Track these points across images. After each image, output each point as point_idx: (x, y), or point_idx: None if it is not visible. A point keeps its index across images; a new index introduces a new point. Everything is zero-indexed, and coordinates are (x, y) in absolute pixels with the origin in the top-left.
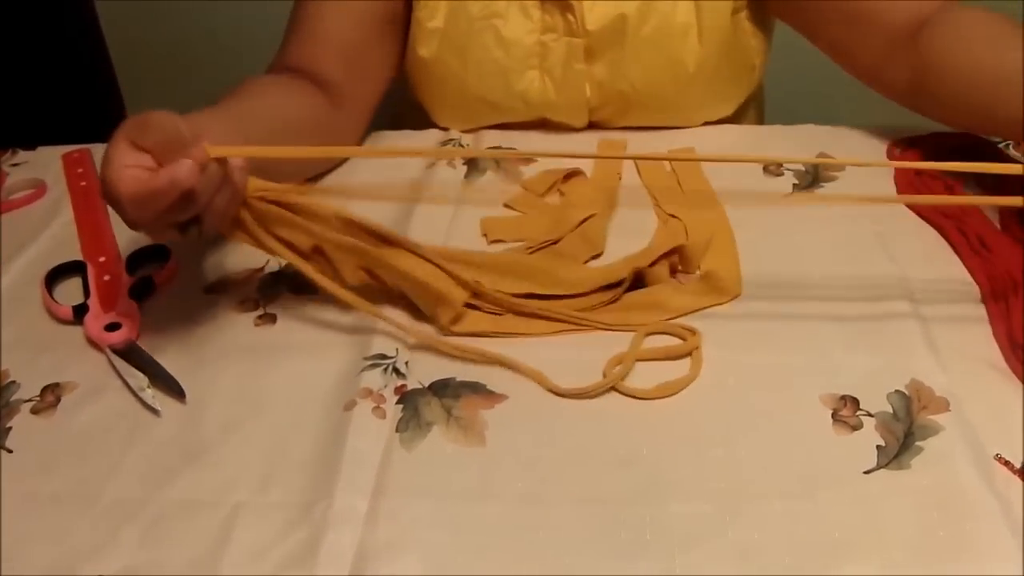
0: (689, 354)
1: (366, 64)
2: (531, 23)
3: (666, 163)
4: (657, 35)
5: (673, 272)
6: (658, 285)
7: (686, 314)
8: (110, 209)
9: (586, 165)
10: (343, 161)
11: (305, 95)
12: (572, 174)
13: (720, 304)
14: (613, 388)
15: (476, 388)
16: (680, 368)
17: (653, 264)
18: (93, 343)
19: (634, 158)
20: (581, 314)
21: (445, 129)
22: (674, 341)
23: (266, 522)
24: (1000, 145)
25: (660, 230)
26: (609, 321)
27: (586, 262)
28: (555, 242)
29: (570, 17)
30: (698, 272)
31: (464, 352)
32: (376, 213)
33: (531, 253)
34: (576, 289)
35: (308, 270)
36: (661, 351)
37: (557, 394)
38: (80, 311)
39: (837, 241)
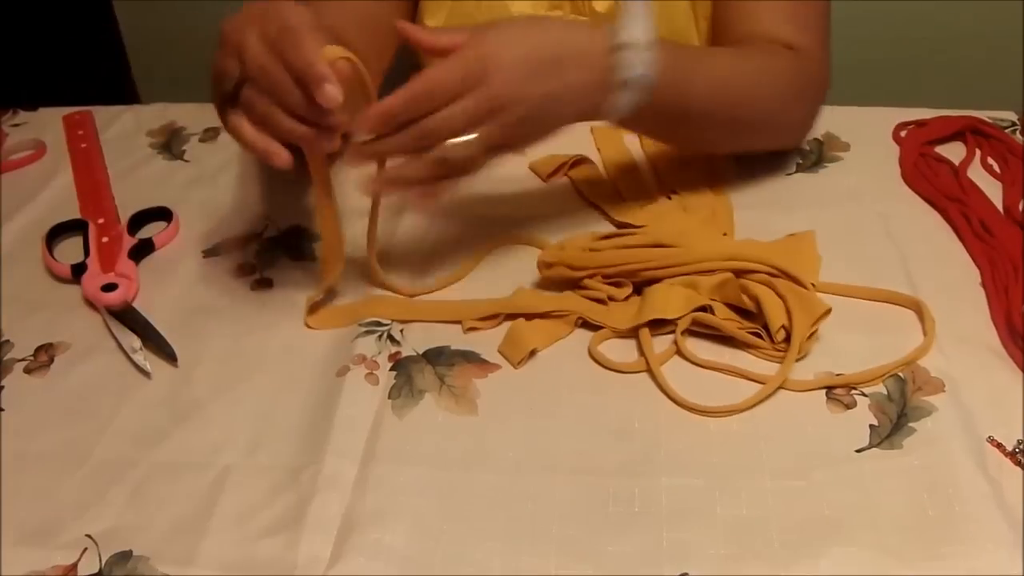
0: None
1: (378, 32)
2: (539, 1)
3: None
4: (662, 20)
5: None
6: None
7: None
8: (110, 171)
9: (591, 152)
10: None
11: None
12: (579, 161)
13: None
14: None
15: (470, 357)
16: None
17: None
18: (89, 303)
19: None
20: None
21: None
22: None
23: (254, 485)
24: (1007, 130)
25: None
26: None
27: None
28: None
29: None
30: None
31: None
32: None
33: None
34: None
35: None
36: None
37: (603, 366)
38: (79, 270)
39: (839, 221)
